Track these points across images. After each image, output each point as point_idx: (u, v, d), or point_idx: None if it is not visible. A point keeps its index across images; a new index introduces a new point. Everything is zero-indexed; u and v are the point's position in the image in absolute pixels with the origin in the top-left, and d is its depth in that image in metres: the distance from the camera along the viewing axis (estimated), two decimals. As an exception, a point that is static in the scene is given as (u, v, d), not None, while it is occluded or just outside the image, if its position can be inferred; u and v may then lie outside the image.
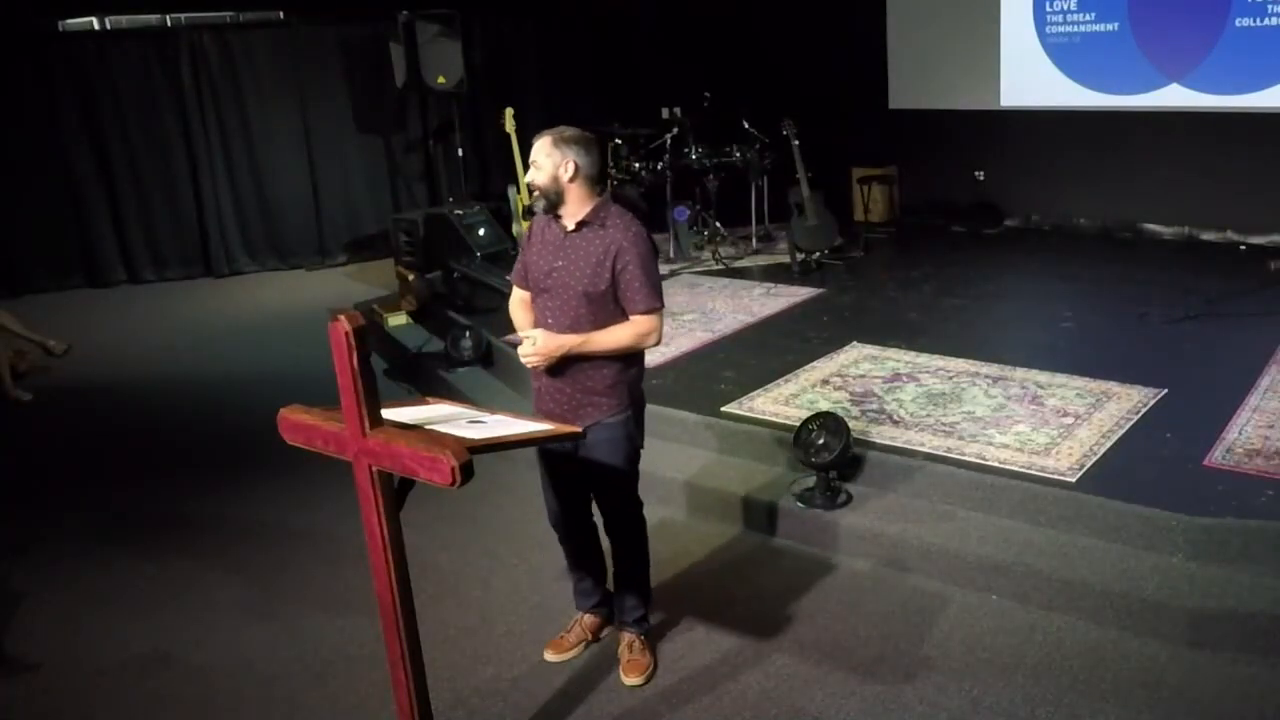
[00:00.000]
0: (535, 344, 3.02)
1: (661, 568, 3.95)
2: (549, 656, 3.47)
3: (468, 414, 2.79)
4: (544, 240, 3.13)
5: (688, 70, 9.37)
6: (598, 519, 3.42)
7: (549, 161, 3.00)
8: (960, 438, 4.37)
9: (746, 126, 8.13)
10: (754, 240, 8.37)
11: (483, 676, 3.40)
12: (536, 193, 3.05)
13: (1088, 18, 8.13)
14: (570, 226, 3.05)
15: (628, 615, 3.40)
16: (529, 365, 3.08)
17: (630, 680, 3.29)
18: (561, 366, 3.07)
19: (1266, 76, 7.37)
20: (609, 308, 3.05)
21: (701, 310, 6.58)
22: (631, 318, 3.06)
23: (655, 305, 3.06)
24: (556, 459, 3.27)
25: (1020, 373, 5.10)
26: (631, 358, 3.15)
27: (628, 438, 3.18)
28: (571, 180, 3.00)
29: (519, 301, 3.26)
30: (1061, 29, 8.28)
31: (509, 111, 8.25)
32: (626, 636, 3.40)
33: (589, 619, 3.55)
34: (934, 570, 3.81)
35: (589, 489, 3.33)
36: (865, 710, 3.13)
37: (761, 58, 9.62)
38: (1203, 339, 5.52)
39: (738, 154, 8.13)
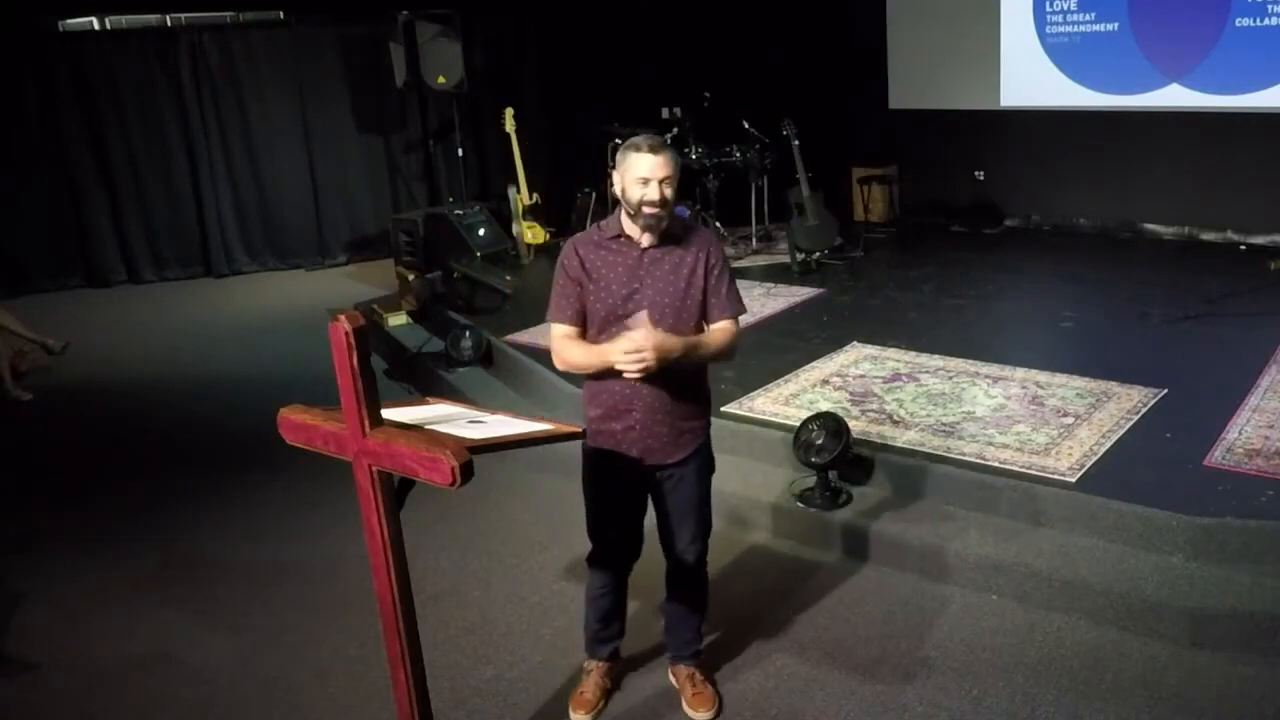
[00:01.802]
0: (641, 344, 2.65)
1: (660, 569, 3.95)
2: (579, 718, 3.18)
3: (468, 414, 2.79)
4: (608, 265, 2.85)
5: (688, 70, 9.37)
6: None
7: (676, 177, 2.78)
8: (960, 438, 4.37)
9: (746, 126, 8.13)
10: (754, 240, 8.37)
11: (483, 676, 3.40)
12: (661, 211, 2.77)
13: (1088, 18, 8.13)
14: (647, 243, 2.84)
15: (685, 649, 3.23)
16: (637, 372, 2.69)
17: (700, 714, 3.13)
18: (664, 397, 2.86)
19: (1266, 76, 7.37)
20: (696, 320, 2.89)
21: (701, 310, 6.57)
22: (719, 324, 2.90)
23: (736, 313, 2.91)
24: (629, 489, 3.01)
25: (1020, 373, 5.10)
26: (708, 375, 3.03)
27: (711, 456, 3.07)
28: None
29: (572, 340, 2.89)
30: (1061, 29, 8.28)
31: (509, 111, 8.25)
32: (684, 670, 3.23)
33: (605, 665, 3.27)
34: (934, 570, 3.81)
35: (672, 522, 3.09)
36: (865, 710, 3.13)
37: (761, 57, 9.62)
38: (1203, 339, 5.52)
39: (738, 154, 8.13)
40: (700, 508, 3.08)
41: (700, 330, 2.91)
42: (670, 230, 2.86)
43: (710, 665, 3.35)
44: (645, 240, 2.84)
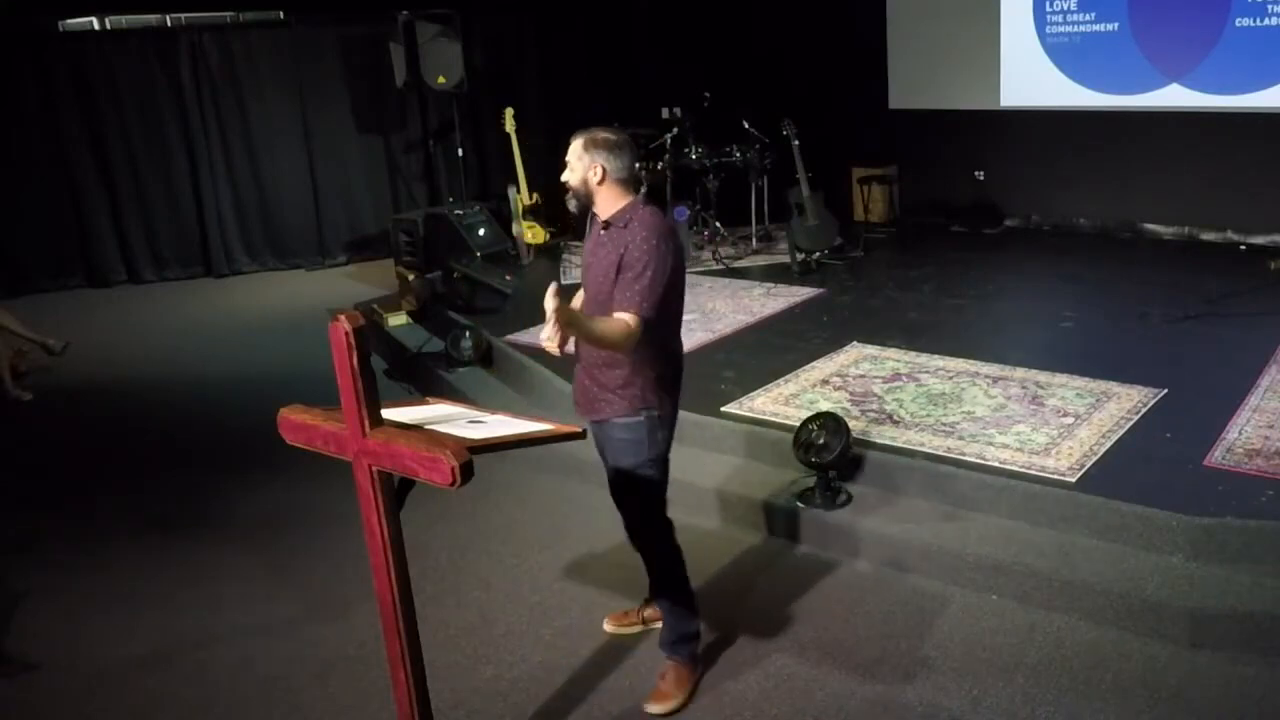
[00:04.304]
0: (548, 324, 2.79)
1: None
2: (607, 627, 3.59)
3: (468, 414, 2.79)
4: (590, 235, 3.19)
5: (688, 70, 9.37)
6: None
7: (580, 164, 3.04)
8: (960, 438, 4.37)
9: (746, 126, 8.13)
10: (754, 240, 8.37)
11: (483, 676, 3.41)
12: (569, 191, 3.12)
13: (1088, 18, 8.13)
14: (600, 223, 3.11)
15: (662, 638, 3.31)
16: (548, 338, 2.79)
17: (650, 708, 3.19)
18: (581, 356, 3.14)
19: (1266, 76, 7.37)
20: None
21: (701, 310, 6.58)
22: (616, 315, 2.93)
23: (630, 308, 2.91)
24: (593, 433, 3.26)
25: (1020, 373, 5.10)
26: (646, 361, 3.06)
27: (637, 442, 3.10)
28: (600, 183, 3.03)
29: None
30: (1061, 29, 8.28)
31: (509, 111, 8.25)
32: (664, 663, 3.29)
33: (647, 610, 3.60)
34: (934, 570, 3.81)
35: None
36: (865, 710, 3.13)
37: (761, 58, 9.62)
38: (1203, 339, 5.52)
39: (738, 154, 8.13)
40: (621, 489, 3.20)
41: None
42: (619, 218, 3.04)
43: (707, 664, 3.36)
44: (600, 220, 3.10)
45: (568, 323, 2.73)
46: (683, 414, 4.81)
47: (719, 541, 4.22)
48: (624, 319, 2.90)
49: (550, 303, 2.66)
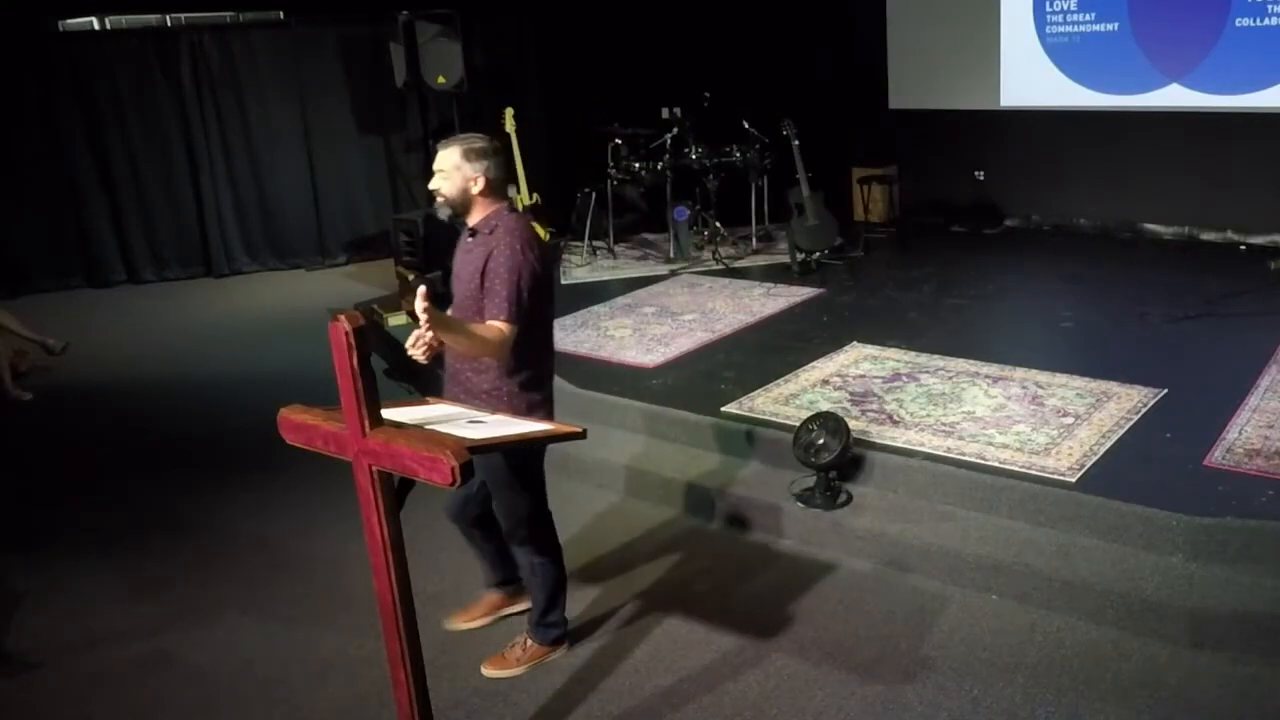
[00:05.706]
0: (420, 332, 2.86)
1: (661, 569, 3.96)
2: (457, 625, 3.64)
3: (468, 414, 2.79)
4: (460, 244, 3.19)
5: (688, 70, 9.37)
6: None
7: (458, 174, 3.06)
8: (960, 438, 4.37)
9: (746, 126, 8.13)
10: (754, 240, 8.37)
11: (483, 676, 3.40)
12: (441, 199, 3.10)
13: (1088, 18, 8.13)
14: (469, 233, 3.13)
15: (530, 617, 3.46)
16: (421, 345, 2.88)
17: (485, 669, 3.39)
18: (448, 364, 3.18)
19: (1266, 76, 7.37)
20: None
21: (701, 310, 6.58)
22: (488, 323, 3.01)
23: (501, 315, 2.99)
24: None
25: (1020, 373, 5.10)
26: (513, 368, 3.11)
27: (516, 453, 3.15)
28: (481, 193, 3.07)
29: None
30: (1061, 29, 8.28)
31: (509, 111, 8.24)
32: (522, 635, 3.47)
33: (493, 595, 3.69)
34: (934, 570, 3.81)
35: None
36: (865, 710, 3.13)
37: (761, 58, 9.62)
38: (1203, 339, 5.52)
39: (738, 154, 8.13)
40: (493, 488, 3.25)
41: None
42: (486, 224, 3.08)
43: (708, 662, 3.36)
44: (468, 227, 3.12)
45: (440, 327, 2.79)
46: (683, 414, 4.84)
47: (717, 542, 4.22)
48: (497, 326, 2.97)
49: (420, 304, 2.71)
